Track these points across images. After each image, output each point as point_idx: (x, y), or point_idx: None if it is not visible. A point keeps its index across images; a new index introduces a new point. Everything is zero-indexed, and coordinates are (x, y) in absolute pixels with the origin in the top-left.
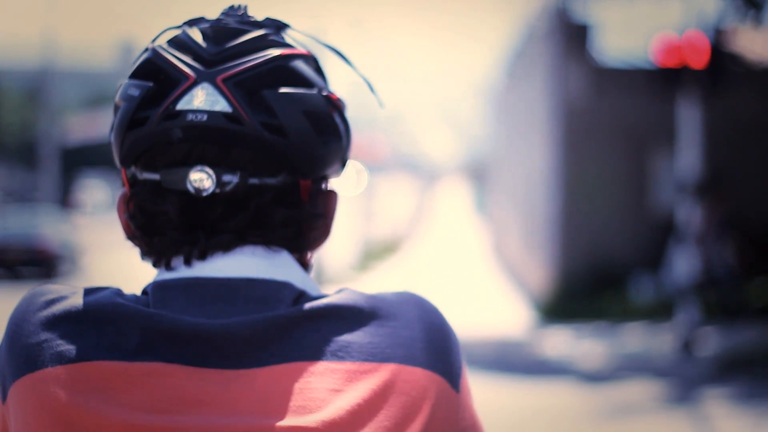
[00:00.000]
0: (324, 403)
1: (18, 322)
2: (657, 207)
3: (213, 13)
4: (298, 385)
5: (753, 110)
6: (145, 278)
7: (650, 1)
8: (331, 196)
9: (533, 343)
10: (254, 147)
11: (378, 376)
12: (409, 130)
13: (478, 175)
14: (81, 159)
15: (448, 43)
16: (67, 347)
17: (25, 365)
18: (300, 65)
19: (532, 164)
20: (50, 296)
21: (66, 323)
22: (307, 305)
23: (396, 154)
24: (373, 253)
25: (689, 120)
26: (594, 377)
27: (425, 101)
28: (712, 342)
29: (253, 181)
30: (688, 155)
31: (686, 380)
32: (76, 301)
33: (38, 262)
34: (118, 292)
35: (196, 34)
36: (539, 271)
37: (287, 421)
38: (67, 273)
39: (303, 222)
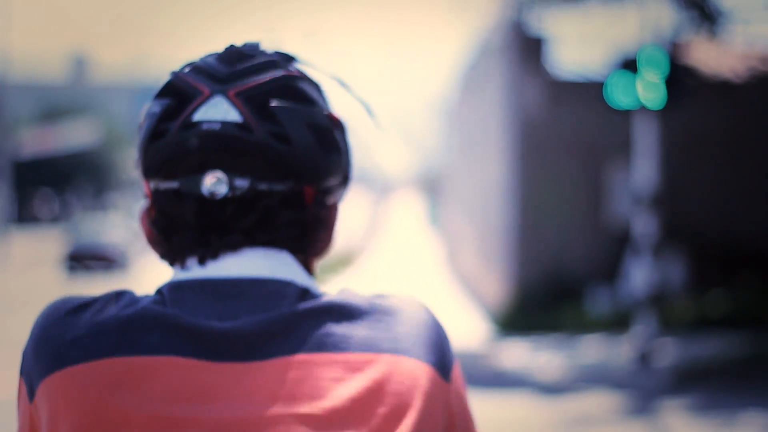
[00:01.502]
0: (327, 392)
1: (45, 326)
2: (613, 219)
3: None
4: (303, 375)
5: (708, 123)
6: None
7: (606, 15)
8: (333, 207)
9: (490, 355)
10: (263, 154)
11: (375, 366)
12: (362, 143)
13: (432, 188)
14: (33, 173)
15: (403, 56)
16: (92, 345)
17: (52, 364)
18: (304, 85)
19: (488, 177)
20: (73, 303)
21: (89, 325)
22: (310, 303)
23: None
24: (327, 266)
25: (645, 132)
26: (551, 389)
27: (379, 114)
28: (668, 353)
29: (262, 185)
30: (644, 167)
31: (643, 391)
32: (98, 306)
33: None
34: (135, 296)
35: (211, 58)
36: (495, 283)
37: (295, 409)
38: None
39: (306, 225)
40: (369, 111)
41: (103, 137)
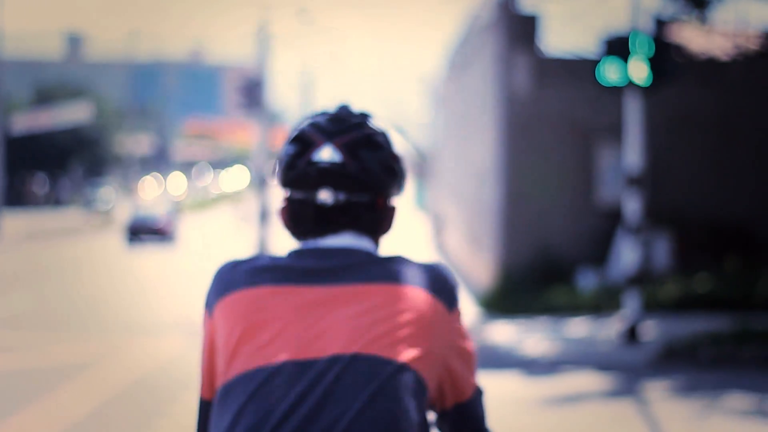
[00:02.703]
0: (379, 307)
1: (221, 271)
2: (603, 198)
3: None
4: (364, 294)
5: (696, 102)
6: None
7: None
8: (393, 208)
9: (478, 336)
10: (353, 180)
11: (408, 290)
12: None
13: (419, 169)
14: (26, 152)
15: (394, 36)
16: (243, 280)
17: (225, 291)
18: (377, 137)
19: (475, 157)
20: (237, 261)
21: (243, 270)
22: (371, 257)
23: None
24: None
25: (633, 111)
26: (539, 368)
27: (370, 93)
28: (655, 333)
29: (353, 198)
30: (632, 147)
31: (629, 370)
32: (250, 260)
33: None
34: (272, 255)
35: (322, 118)
36: (484, 264)
37: (361, 317)
38: None
39: (377, 220)
40: (418, 152)
41: (98, 115)
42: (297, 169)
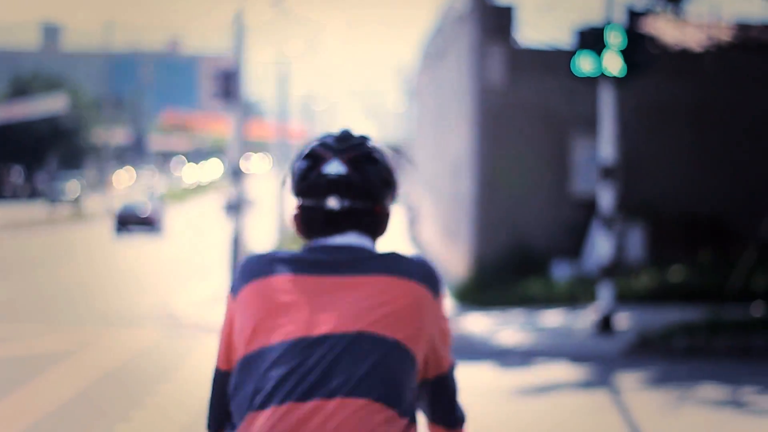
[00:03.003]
0: (378, 294)
1: (248, 261)
2: (578, 190)
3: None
4: (366, 283)
5: (669, 94)
6: None
7: None
8: (389, 213)
9: (454, 326)
10: (356, 190)
11: (401, 280)
12: (327, 115)
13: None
14: (1, 143)
15: (371, 27)
16: (268, 270)
17: (250, 278)
18: (376, 154)
19: (451, 148)
20: (260, 253)
21: (265, 261)
22: (370, 254)
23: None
24: (291, 235)
25: (608, 103)
26: (514, 358)
27: (346, 84)
28: (628, 324)
29: (356, 204)
30: (607, 138)
31: (603, 361)
32: (271, 253)
33: None
34: (287, 251)
35: (330, 138)
36: (459, 256)
37: (363, 302)
38: None
39: (376, 224)
40: (408, 161)
41: (73, 106)
42: (309, 180)
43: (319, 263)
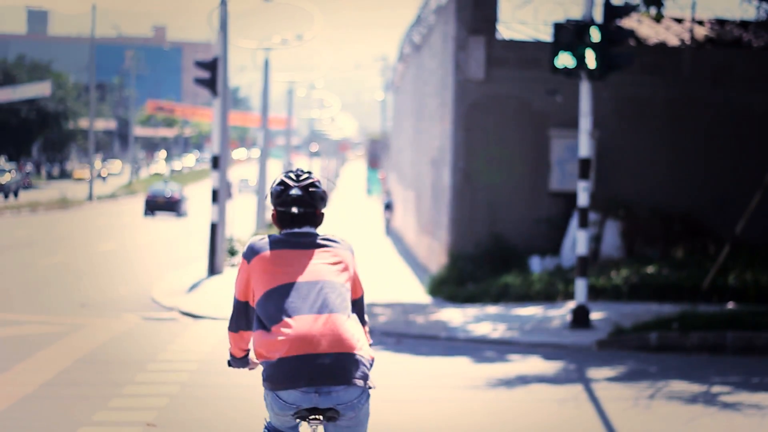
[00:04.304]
0: (328, 257)
1: (254, 243)
2: (556, 184)
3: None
4: (321, 253)
5: (647, 90)
6: None
7: None
8: (323, 214)
9: (430, 318)
10: (307, 203)
11: (339, 248)
12: (308, 102)
13: (372, 158)
14: None
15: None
16: (268, 246)
17: (258, 251)
18: (318, 183)
19: (429, 141)
20: (261, 236)
21: (267, 242)
22: (321, 236)
23: (294, 131)
24: (271, 225)
25: (586, 97)
26: (489, 351)
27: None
28: (604, 317)
29: (308, 210)
30: (586, 133)
31: (578, 353)
32: (271, 237)
33: None
34: (275, 235)
35: (293, 173)
36: (437, 250)
37: (321, 261)
38: None
39: (318, 220)
40: (333, 185)
41: (60, 89)
42: (282, 197)
43: (295, 242)
